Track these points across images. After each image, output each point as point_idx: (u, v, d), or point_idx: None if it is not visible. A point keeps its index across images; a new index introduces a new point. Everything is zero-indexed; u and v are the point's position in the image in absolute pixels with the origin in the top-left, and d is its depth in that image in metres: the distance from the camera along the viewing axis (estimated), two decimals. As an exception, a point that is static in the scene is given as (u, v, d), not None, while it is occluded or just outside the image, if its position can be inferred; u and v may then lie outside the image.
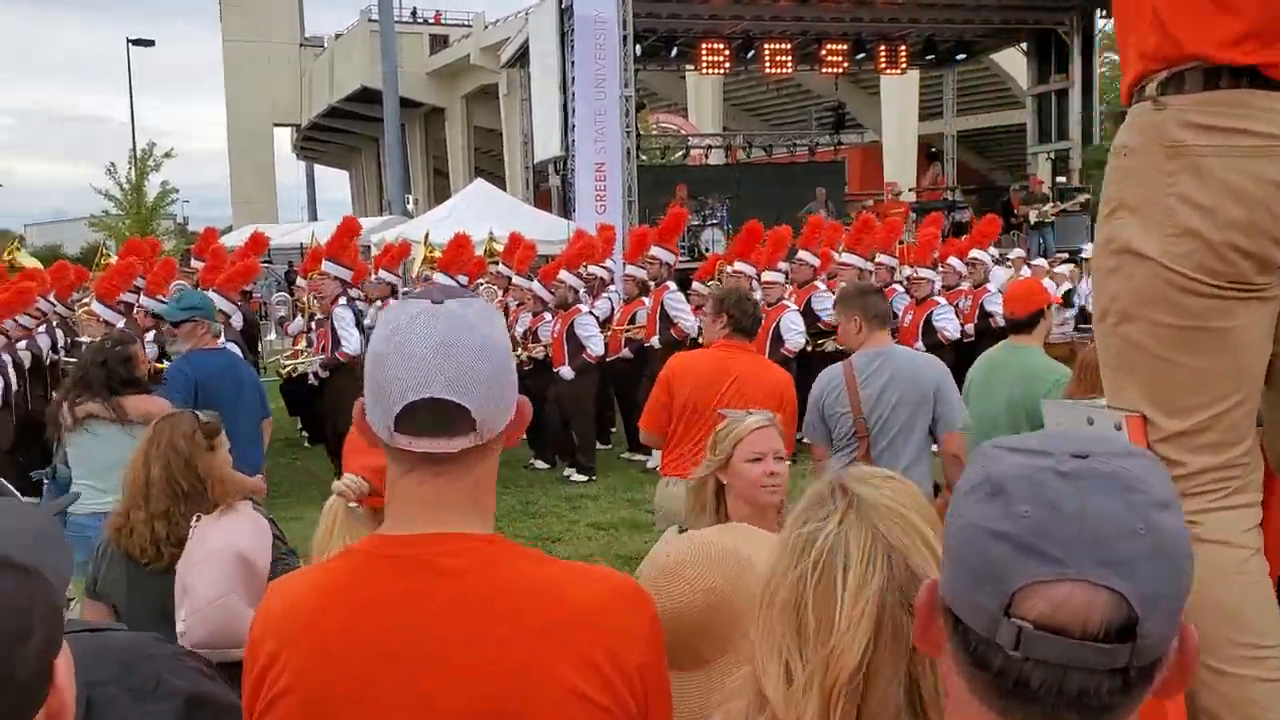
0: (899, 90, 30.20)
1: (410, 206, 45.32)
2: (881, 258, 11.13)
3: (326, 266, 9.11)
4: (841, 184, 21.85)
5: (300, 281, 12.48)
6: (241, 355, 8.08)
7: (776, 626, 1.15)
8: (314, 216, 58.71)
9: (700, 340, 10.98)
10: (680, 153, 26.65)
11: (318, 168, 70.00)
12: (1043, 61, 21.59)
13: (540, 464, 10.22)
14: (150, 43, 35.89)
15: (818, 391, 4.44)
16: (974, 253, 10.71)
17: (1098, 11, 20.49)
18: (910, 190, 24.98)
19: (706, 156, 25.04)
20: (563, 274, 9.59)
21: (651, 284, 10.32)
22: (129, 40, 35.23)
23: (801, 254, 10.98)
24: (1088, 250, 14.33)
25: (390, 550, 1.34)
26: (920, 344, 10.35)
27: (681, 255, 12.58)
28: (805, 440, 4.60)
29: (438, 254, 13.46)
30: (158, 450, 3.09)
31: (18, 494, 1.69)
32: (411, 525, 1.34)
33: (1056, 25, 20.50)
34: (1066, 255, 15.74)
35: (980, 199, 24.48)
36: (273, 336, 14.50)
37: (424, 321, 1.31)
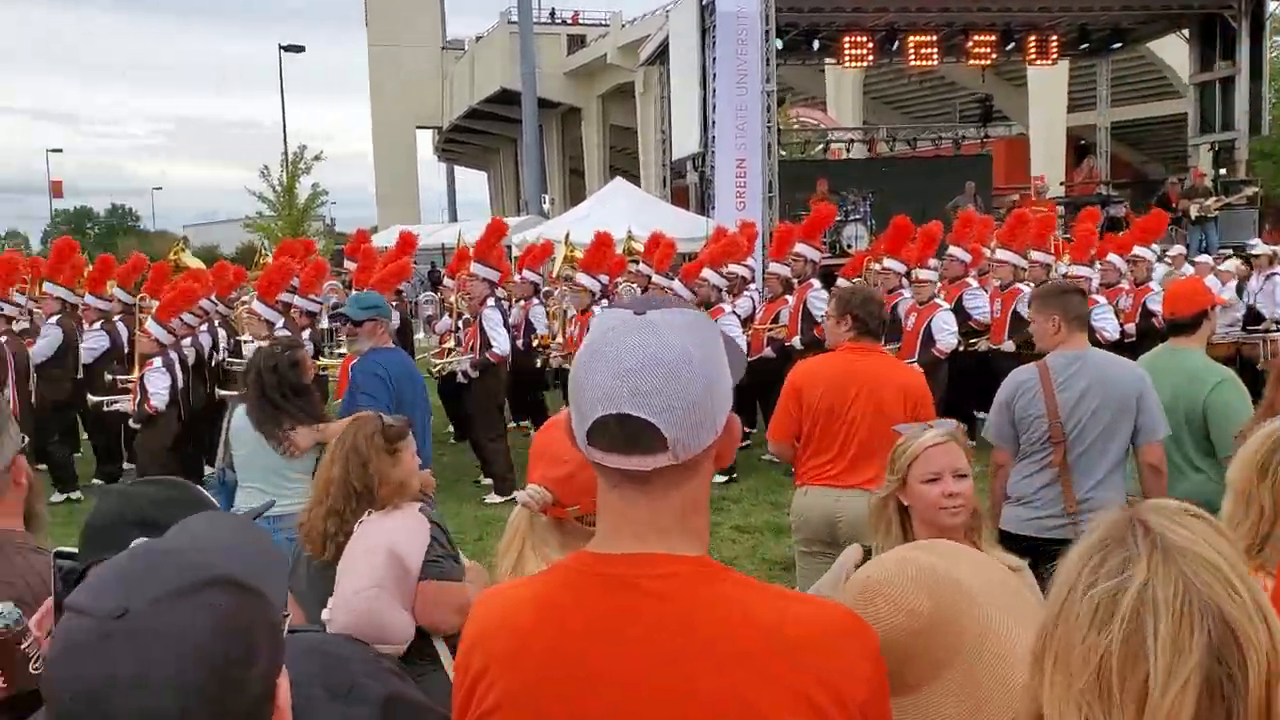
0: (1047, 81, 29.14)
1: (546, 206, 46.00)
2: (1036, 254, 10.69)
3: (475, 268, 9.23)
4: (988, 178, 21.12)
5: (447, 281, 12.70)
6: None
7: (1073, 683, 1.03)
8: (454, 217, 60.14)
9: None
10: (820, 147, 26.25)
11: (457, 169, 71.62)
12: (1206, 48, 20.46)
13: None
14: (300, 48, 37.23)
15: (1008, 393, 4.24)
16: (1137, 249, 10.19)
17: (1269, -8, 19.34)
18: (1061, 184, 24.01)
19: (848, 150, 24.58)
20: (706, 272, 9.49)
21: (795, 281, 10.14)
22: (281, 46, 36.61)
23: (953, 250, 10.65)
24: (1257, 247, 13.50)
25: (598, 568, 1.30)
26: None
27: (823, 252, 12.29)
28: (989, 441, 4.42)
29: (578, 254, 13.57)
30: (341, 451, 3.23)
31: (218, 505, 1.70)
32: (618, 544, 1.29)
33: (1223, 9, 19.40)
34: (1230, 251, 14.86)
35: (1135, 193, 23.42)
36: (421, 335, 14.83)
37: (620, 334, 1.26)
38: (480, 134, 58.97)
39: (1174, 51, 27.97)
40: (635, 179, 33.56)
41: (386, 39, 55.28)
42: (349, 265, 12.49)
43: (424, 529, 3.11)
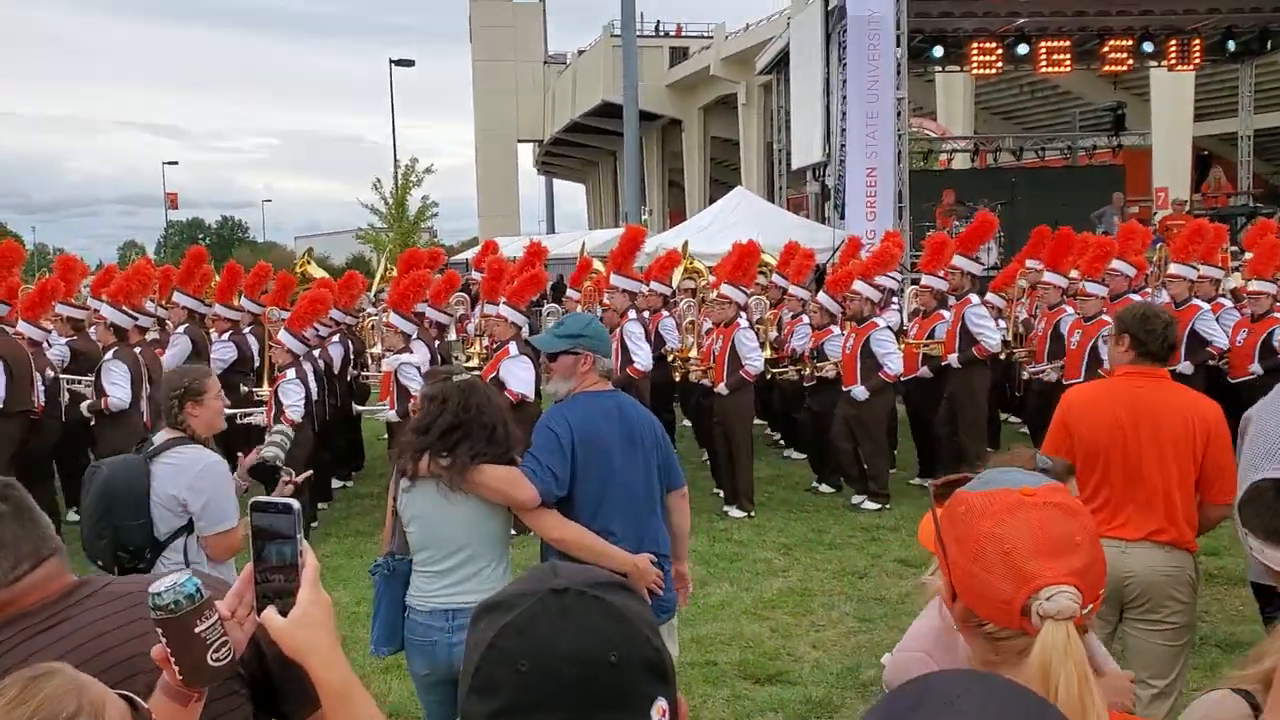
0: (1172, 90, 27.86)
1: (645, 217, 45.84)
2: (1205, 269, 9.90)
3: (615, 279, 8.82)
4: (1121, 189, 20.14)
5: (571, 293, 12.33)
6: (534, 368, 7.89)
7: None
8: (551, 229, 60.50)
9: (1015, 358, 10.25)
10: (942, 156, 25.51)
11: (555, 181, 72.08)
12: (1364, 50, 19.23)
13: (825, 487, 9.59)
14: (410, 63, 37.60)
15: None
16: (1334, 262, 9.33)
17: None
18: (1199, 196, 22.84)
19: (974, 159, 23.75)
20: (858, 284, 8.93)
21: (951, 297, 9.52)
22: (391, 60, 37.00)
23: (1116, 264, 9.91)
24: None
25: None
26: (1257, 366, 9.16)
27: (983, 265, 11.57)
28: None
29: (699, 264, 13.09)
30: None
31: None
32: None
33: (1384, 7, 18.19)
34: None
35: (1260, 206, 22.16)
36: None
37: None
38: (580, 147, 59.23)
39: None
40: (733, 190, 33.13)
41: (490, 54, 55.86)
42: (475, 276, 12.22)
43: None
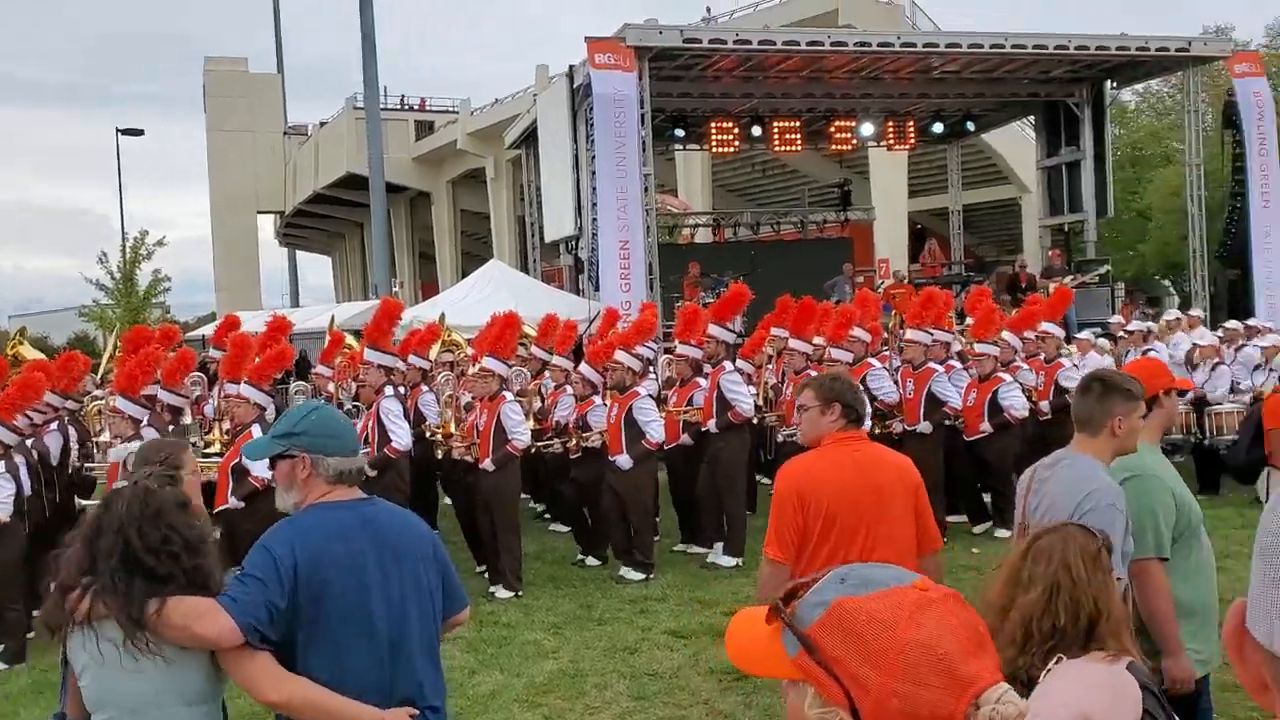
0: (890, 168, 30.25)
1: (396, 289, 45.01)
2: (937, 333, 10.60)
3: (370, 355, 8.46)
4: (850, 260, 21.48)
5: (321, 369, 11.78)
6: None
7: None
8: (296, 302, 58.36)
9: (767, 421, 10.52)
10: (685, 230, 26.49)
11: (299, 254, 69.81)
12: (1052, 134, 21.46)
13: (592, 560, 9.48)
14: (139, 132, 35.59)
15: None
16: (1046, 325, 10.20)
17: (1107, 83, 20.41)
18: (918, 266, 24.71)
19: (715, 233, 24.79)
20: (620, 355, 8.96)
21: (707, 364, 9.72)
22: (118, 130, 34.89)
23: (855, 331, 10.45)
24: (1133, 323, 13.93)
25: None
26: (987, 425, 9.84)
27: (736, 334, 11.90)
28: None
29: (457, 337, 12.86)
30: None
31: None
32: None
33: (1066, 97, 20.39)
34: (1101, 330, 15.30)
35: (973, 274, 24.24)
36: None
37: None
38: (324, 218, 57.76)
39: (1004, 140, 29.48)
40: (485, 262, 33.25)
41: (226, 124, 53.80)
42: (213, 354, 11.46)
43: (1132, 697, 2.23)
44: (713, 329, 9.63)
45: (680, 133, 20.41)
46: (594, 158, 15.20)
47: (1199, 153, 18.89)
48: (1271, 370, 11.25)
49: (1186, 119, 19.46)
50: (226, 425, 8.76)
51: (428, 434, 9.71)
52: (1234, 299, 19.40)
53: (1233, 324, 13.92)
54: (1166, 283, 29.12)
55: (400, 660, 2.85)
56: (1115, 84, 21.12)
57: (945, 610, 1.16)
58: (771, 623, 1.24)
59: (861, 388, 4.07)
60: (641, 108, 15.50)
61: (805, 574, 3.92)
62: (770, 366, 11.55)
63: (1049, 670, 2.20)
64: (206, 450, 9.06)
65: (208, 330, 22.40)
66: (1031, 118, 22.52)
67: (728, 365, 9.62)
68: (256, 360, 8.55)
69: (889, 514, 3.87)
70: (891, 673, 1.12)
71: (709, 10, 31.70)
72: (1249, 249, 18.25)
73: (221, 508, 7.48)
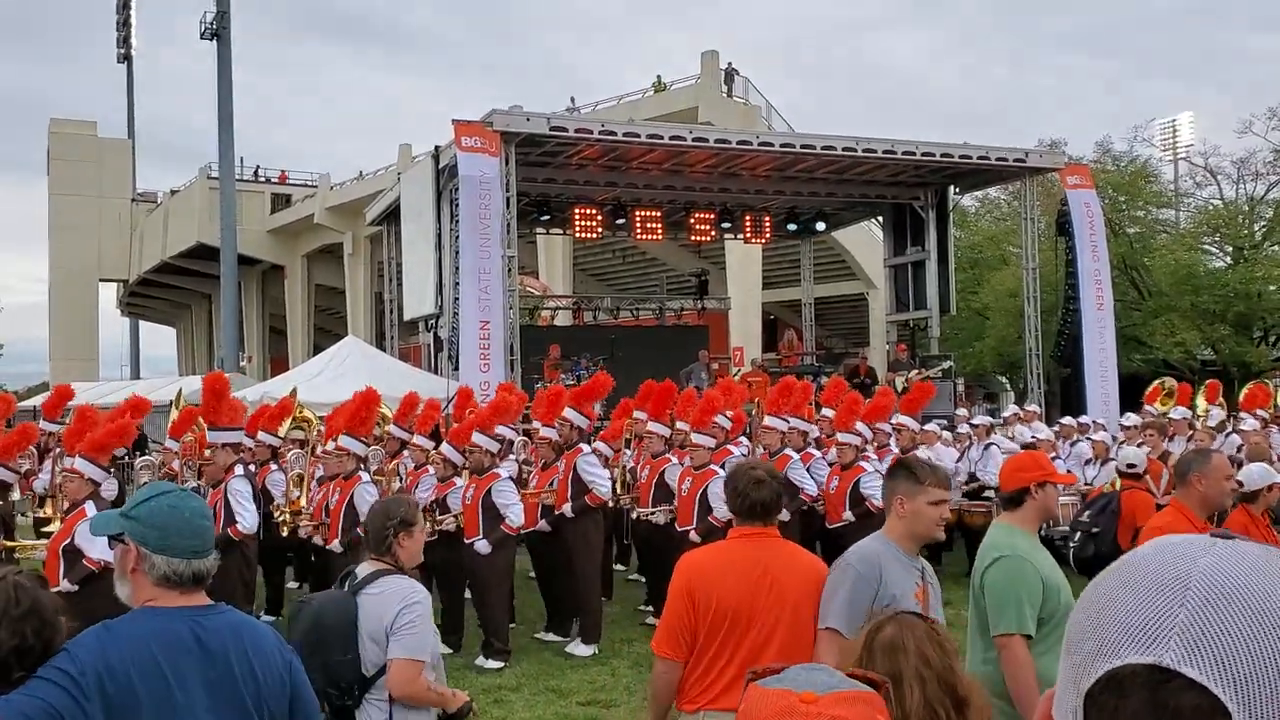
0: (745, 260, 31.18)
1: (243, 364, 43.65)
2: (794, 421, 10.85)
3: (214, 436, 8.13)
4: (706, 347, 21.95)
5: (171, 444, 11.26)
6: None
7: None
8: (136, 374, 55.94)
9: (623, 504, 10.49)
10: (545, 312, 26.60)
11: (142, 324, 67.13)
12: (898, 234, 22.48)
13: (444, 648, 9.18)
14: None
15: None
16: (902, 418, 10.55)
17: (951, 188, 21.57)
18: (775, 355, 25.37)
19: (575, 317, 24.98)
20: (478, 436, 8.85)
21: (564, 446, 9.70)
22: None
23: (718, 418, 10.59)
24: (976, 417, 14.52)
25: None
26: (849, 513, 10.00)
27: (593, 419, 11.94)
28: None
29: (309, 414, 12.49)
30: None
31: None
32: None
33: (912, 200, 21.43)
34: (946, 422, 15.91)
35: (825, 365, 25.04)
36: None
37: (1186, 551, 0.80)
38: (171, 288, 55.90)
39: (854, 238, 30.81)
40: (339, 338, 32.68)
41: (70, 188, 51.81)
42: (45, 426, 10.84)
43: None
44: (567, 412, 9.63)
45: (546, 216, 20.61)
46: (457, 237, 15.18)
47: (1034, 257, 20.03)
48: (1103, 464, 11.87)
49: (1023, 225, 20.66)
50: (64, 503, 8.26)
51: (275, 514, 9.36)
52: (1066, 396, 20.50)
53: (1067, 420, 14.68)
54: (1003, 379, 30.57)
55: None
56: (958, 189, 22.36)
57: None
58: None
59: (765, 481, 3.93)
60: (506, 191, 15.61)
61: (697, 670, 3.78)
62: (629, 450, 11.60)
63: None
64: (42, 529, 8.53)
65: (39, 401, 21.21)
66: (879, 218, 23.55)
67: (584, 447, 9.61)
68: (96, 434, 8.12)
69: (787, 612, 3.71)
70: None
71: (573, 100, 32.34)
72: (1080, 349, 19.33)
73: (55, 589, 7.00)
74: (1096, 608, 0.80)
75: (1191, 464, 4.69)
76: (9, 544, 8.41)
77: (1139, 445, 10.93)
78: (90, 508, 7.30)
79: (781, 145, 18.77)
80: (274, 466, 10.24)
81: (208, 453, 8.71)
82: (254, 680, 2.50)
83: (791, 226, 23.13)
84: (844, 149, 18.01)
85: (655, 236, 22.05)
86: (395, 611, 3.57)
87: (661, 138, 17.39)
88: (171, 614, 2.46)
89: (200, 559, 2.54)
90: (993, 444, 13.50)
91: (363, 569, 3.72)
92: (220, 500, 7.90)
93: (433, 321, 18.28)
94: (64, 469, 7.99)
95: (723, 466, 10.05)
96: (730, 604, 3.68)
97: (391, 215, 20.88)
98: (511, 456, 10.47)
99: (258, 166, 51.64)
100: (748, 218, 22.38)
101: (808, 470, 10.12)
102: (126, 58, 64.52)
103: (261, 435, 10.45)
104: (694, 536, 8.81)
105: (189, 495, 2.66)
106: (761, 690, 1.14)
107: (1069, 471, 12.29)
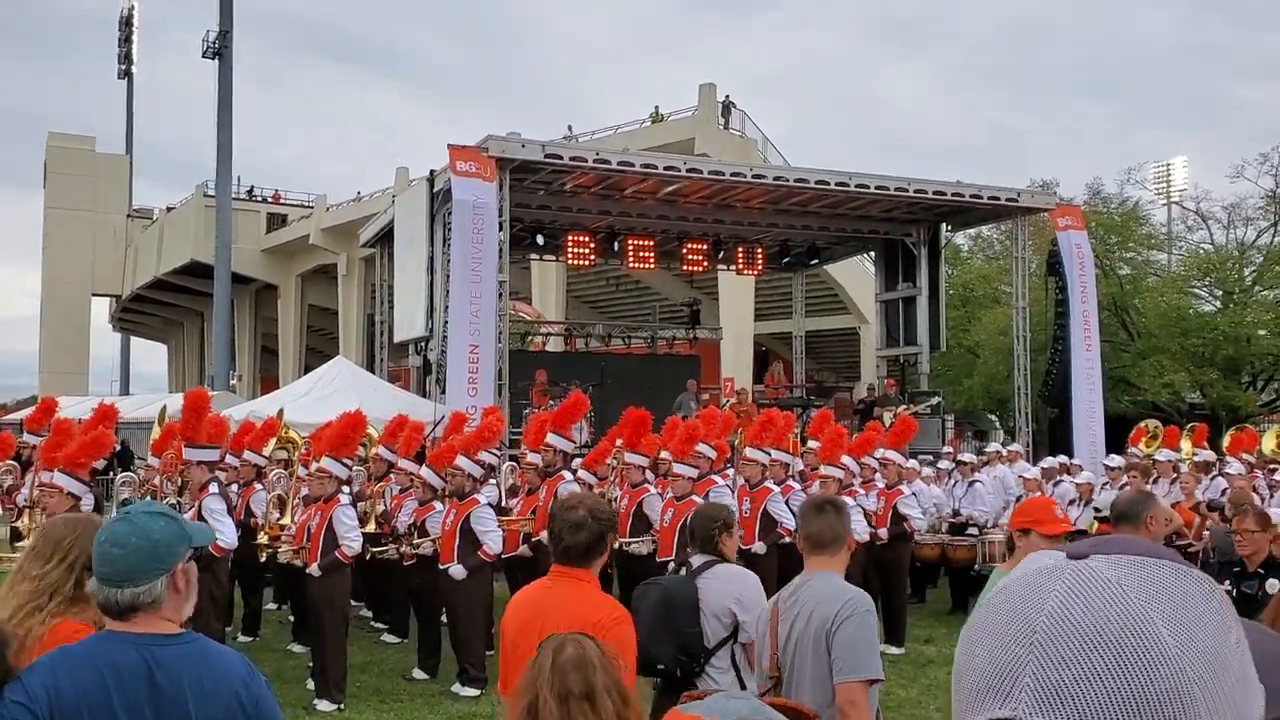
0: (738, 292, 31.24)
1: (234, 382, 43.53)
2: (776, 453, 10.84)
3: (189, 453, 8.10)
4: (697, 377, 21.95)
5: (153, 460, 11.23)
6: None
7: None
8: (126, 390, 55.79)
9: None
10: (537, 338, 26.61)
11: (133, 340, 67.03)
12: (890, 270, 22.54)
13: (420, 674, 9.16)
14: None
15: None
16: (889, 453, 10.55)
17: (943, 225, 21.67)
18: (763, 387, 25.36)
19: (566, 343, 24.97)
20: (460, 460, 8.84)
21: (548, 472, 9.69)
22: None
23: (700, 446, 10.58)
24: (964, 454, 14.53)
25: None
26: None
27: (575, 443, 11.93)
28: None
29: (294, 434, 12.46)
30: None
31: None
32: None
33: (904, 236, 21.51)
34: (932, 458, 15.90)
35: (813, 398, 25.05)
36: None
37: (1038, 586, 0.79)
38: (164, 305, 55.84)
39: (846, 272, 30.93)
40: (331, 359, 32.68)
41: (67, 202, 51.86)
42: (29, 439, 10.80)
43: None
44: (551, 438, 9.63)
45: (540, 241, 20.64)
46: (449, 261, 15.20)
47: (1025, 296, 20.10)
48: (1086, 504, 11.87)
49: (1014, 264, 20.74)
50: (41, 516, 8.21)
51: (257, 534, 9.32)
52: (1053, 436, 20.51)
53: (1051, 460, 14.69)
54: (993, 417, 30.61)
55: None
56: (950, 227, 22.45)
57: None
58: None
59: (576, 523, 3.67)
60: (500, 216, 15.64)
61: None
62: (613, 478, 11.57)
63: None
64: (17, 543, 8.48)
65: (25, 413, 21.14)
66: (872, 253, 23.63)
67: (566, 475, 9.60)
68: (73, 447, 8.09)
69: None
70: None
71: (570, 129, 32.52)
72: (1069, 389, 19.34)
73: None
74: (966, 653, 0.81)
75: (1143, 506, 4.59)
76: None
77: (1122, 487, 10.95)
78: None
79: (775, 178, 18.84)
80: (258, 486, 10.20)
81: (185, 471, 8.68)
82: (206, 716, 2.38)
83: (784, 259, 23.20)
84: (837, 184, 18.06)
85: (648, 265, 22.09)
86: (735, 596, 4.17)
87: (655, 167, 17.46)
88: (131, 641, 2.37)
89: (119, 588, 2.38)
90: (977, 480, 13.53)
91: (696, 560, 4.34)
92: (195, 518, 7.86)
93: (422, 344, 18.28)
94: (42, 484, 7.95)
95: (705, 497, 10.06)
96: (508, 641, 3.57)
97: (385, 237, 20.92)
98: (493, 481, 10.43)
99: (252, 186, 51.75)
100: (740, 249, 22.44)
101: (786, 503, 10.10)
102: (127, 74, 64.83)
103: (247, 454, 10.42)
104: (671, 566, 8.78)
105: (127, 520, 2.51)
106: (678, 716, 1.15)
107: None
